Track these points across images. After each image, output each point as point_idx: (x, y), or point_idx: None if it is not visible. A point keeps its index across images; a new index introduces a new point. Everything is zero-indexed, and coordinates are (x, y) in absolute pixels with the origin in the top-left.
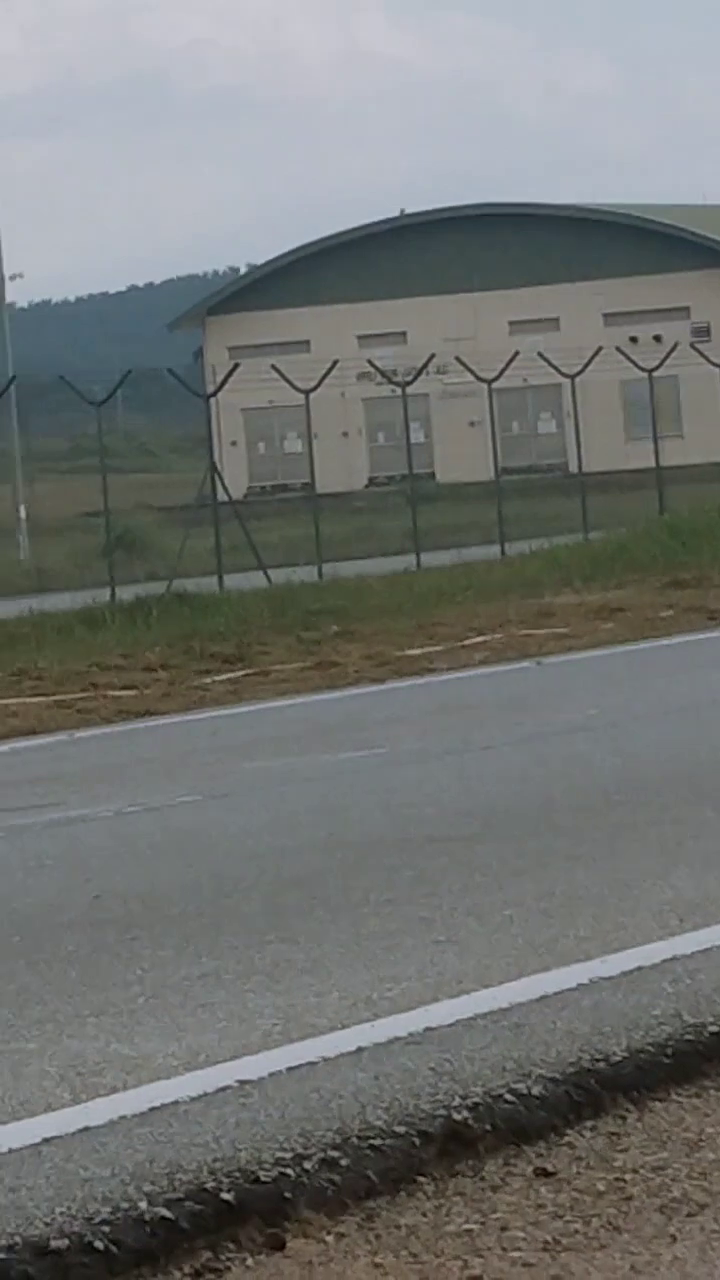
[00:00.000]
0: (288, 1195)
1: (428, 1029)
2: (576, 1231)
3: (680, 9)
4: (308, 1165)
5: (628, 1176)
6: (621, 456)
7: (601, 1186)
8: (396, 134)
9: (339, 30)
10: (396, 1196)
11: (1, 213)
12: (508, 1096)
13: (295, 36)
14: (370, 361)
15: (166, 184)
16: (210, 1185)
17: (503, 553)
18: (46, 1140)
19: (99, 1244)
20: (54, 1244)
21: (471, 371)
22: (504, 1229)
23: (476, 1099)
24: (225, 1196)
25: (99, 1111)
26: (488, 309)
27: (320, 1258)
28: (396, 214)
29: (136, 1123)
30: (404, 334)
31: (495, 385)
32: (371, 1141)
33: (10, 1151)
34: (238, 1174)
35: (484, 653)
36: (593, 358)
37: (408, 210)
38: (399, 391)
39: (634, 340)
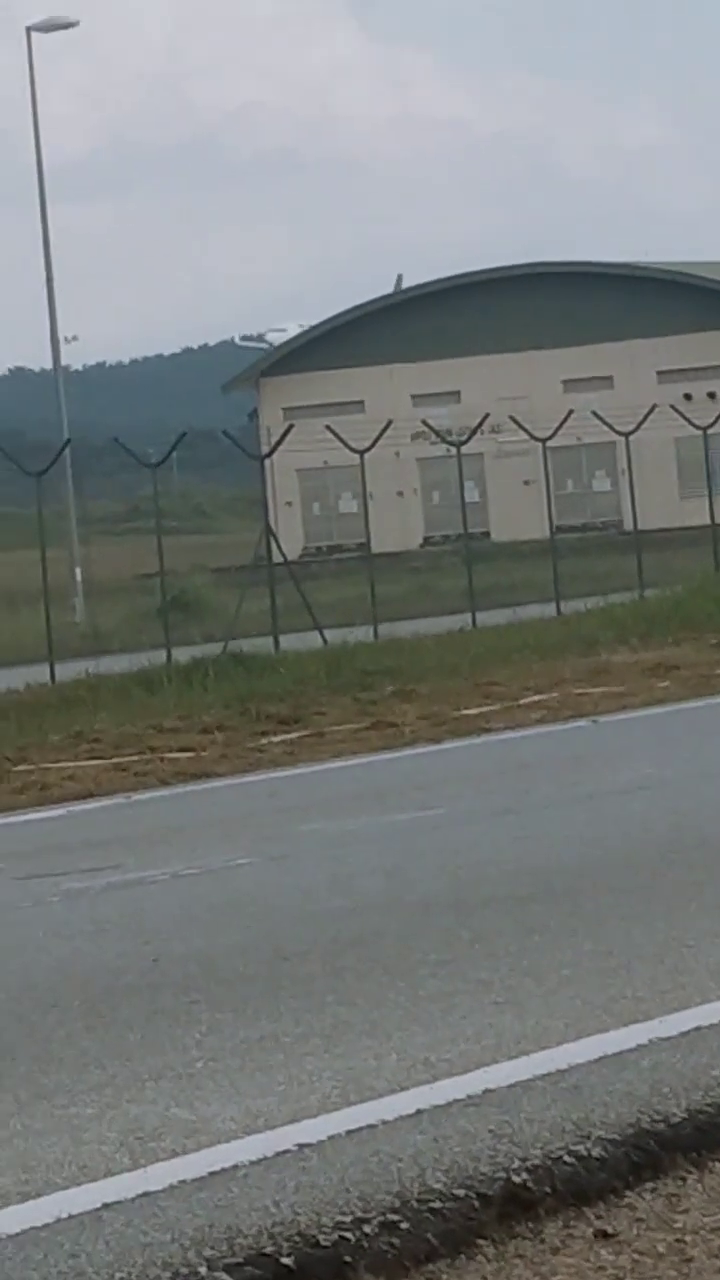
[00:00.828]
0: (348, 1259)
1: (486, 1091)
2: None
3: None
4: (367, 1229)
5: (688, 1238)
6: (676, 513)
7: (662, 1248)
8: (448, 193)
9: (390, 90)
10: (456, 1259)
11: (56, 276)
12: (567, 1158)
13: (346, 97)
14: (425, 421)
15: (219, 246)
16: (270, 1249)
17: (558, 611)
18: (106, 1205)
19: None
20: None
21: (526, 430)
22: None
23: (536, 1161)
24: (285, 1261)
25: (158, 1176)
26: (541, 368)
27: None
28: (442, 277)
29: (196, 1187)
30: (458, 393)
31: (549, 444)
32: (431, 1204)
33: (70, 1217)
34: (297, 1238)
35: (540, 712)
36: (647, 415)
37: (468, 269)
38: (453, 451)
39: (688, 398)
